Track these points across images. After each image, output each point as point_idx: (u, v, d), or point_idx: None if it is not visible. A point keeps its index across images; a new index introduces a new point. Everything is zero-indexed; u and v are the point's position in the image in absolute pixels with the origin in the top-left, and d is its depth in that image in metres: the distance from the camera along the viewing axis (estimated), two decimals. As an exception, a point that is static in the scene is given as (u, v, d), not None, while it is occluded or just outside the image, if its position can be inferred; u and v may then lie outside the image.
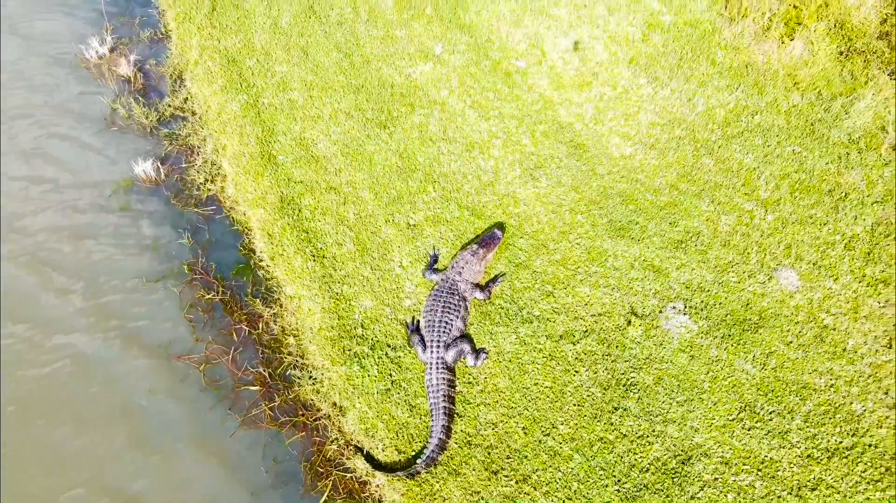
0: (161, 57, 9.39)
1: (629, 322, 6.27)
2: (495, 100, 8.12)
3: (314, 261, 6.95)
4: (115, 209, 7.64)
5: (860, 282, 6.52)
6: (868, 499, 5.36)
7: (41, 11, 9.75)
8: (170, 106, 8.72)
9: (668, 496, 5.39)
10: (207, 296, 7.03)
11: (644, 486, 5.45)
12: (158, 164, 7.91)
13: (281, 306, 6.90)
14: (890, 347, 6.10)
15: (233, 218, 7.66)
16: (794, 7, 9.32)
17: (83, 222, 7.44)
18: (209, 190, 7.90)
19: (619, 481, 5.48)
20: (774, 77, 8.20)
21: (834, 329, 6.22)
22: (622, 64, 8.32)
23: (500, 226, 6.99)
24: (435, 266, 6.76)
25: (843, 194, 7.17)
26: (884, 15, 9.49)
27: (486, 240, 6.70)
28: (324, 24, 9.15)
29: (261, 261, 7.26)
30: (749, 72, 8.26)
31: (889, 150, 7.66)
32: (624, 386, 5.92)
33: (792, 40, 8.82)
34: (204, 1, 9.55)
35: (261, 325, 6.80)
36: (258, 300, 6.95)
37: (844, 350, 6.10)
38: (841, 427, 5.68)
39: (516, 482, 5.55)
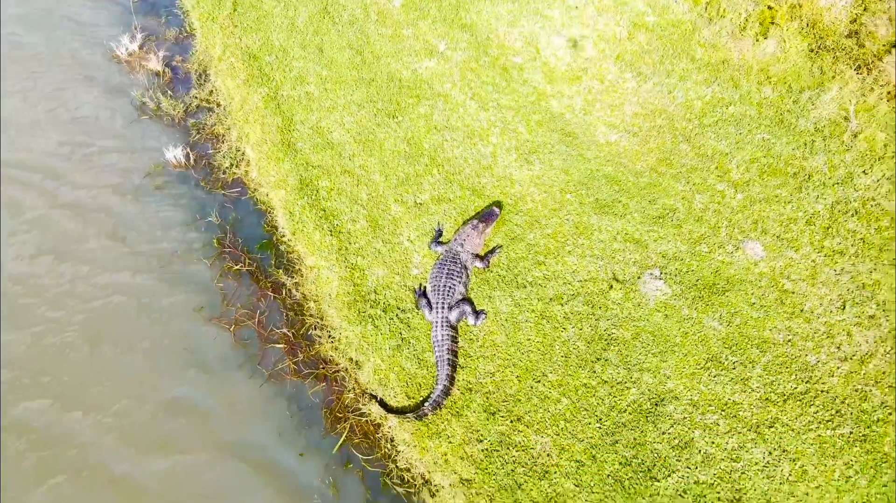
0: (187, 53, 10.21)
1: (611, 286, 7.08)
2: (494, 92, 8.94)
3: (331, 235, 7.76)
4: (150, 191, 8.46)
5: (819, 252, 7.33)
6: (819, 436, 6.17)
7: (74, 6, 10.58)
8: (196, 98, 9.53)
9: (642, 432, 6.21)
10: (235, 268, 7.84)
11: (622, 424, 6.27)
12: (188, 150, 8.71)
13: (302, 275, 7.71)
14: (843, 308, 6.92)
15: (256, 198, 8.47)
16: (769, 8, 10.14)
17: (120, 202, 8.26)
18: (234, 174, 8.72)
19: (600, 420, 6.30)
20: (748, 72, 9.01)
21: (793, 293, 7.03)
22: (609, 60, 9.14)
23: (498, 204, 7.80)
24: (440, 239, 7.57)
25: (807, 176, 7.97)
26: (853, 15, 10.30)
27: (486, 216, 7.52)
28: (337, 23, 9.97)
29: (283, 236, 8.07)
30: (725, 67, 9.07)
31: (851, 137, 8.47)
32: (605, 340, 6.74)
33: (766, 39, 9.63)
34: (225, 2, 10.36)
35: (284, 292, 7.61)
36: (281, 270, 7.77)
37: (802, 311, 6.91)
38: (796, 375, 6.49)
39: (511, 421, 6.36)
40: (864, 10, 10.39)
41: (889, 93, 9.10)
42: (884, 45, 9.97)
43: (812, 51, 9.69)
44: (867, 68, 9.42)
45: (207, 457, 6.42)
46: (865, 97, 8.92)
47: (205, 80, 9.73)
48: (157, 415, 6.65)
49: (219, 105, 9.38)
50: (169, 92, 9.57)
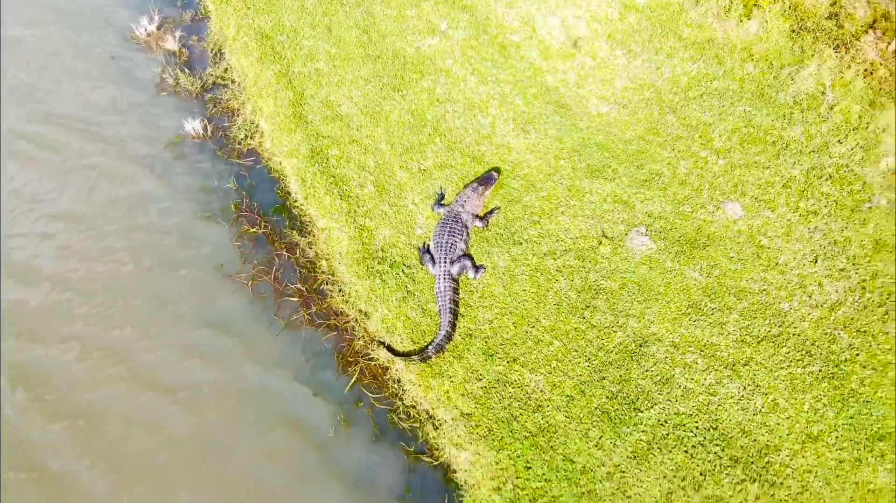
0: (202, 34, 10.79)
1: (600, 242, 7.67)
2: (492, 68, 9.53)
3: (341, 199, 8.34)
4: (171, 160, 9.05)
5: (794, 212, 7.92)
6: (790, 373, 6.76)
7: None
8: (212, 75, 10.11)
9: (627, 370, 6.80)
10: (252, 230, 8.42)
11: (609, 363, 6.86)
12: (206, 122, 9.30)
13: (314, 236, 8.30)
14: (815, 262, 7.51)
15: (270, 167, 9.06)
16: (754, -9, 10.72)
17: (144, 167, 8.87)
18: (249, 144, 9.30)
19: (588, 360, 6.89)
20: (732, 50, 9.58)
21: (769, 248, 7.62)
22: (601, 39, 9.72)
23: (497, 169, 8.38)
24: (442, 202, 8.15)
25: (785, 145, 8.55)
26: (833, -2, 10.87)
27: (485, 179, 8.10)
28: (344, 4, 10.55)
29: (295, 201, 8.66)
30: (710, 46, 9.64)
31: (827, 109, 9.04)
32: (595, 290, 7.33)
33: (749, 20, 10.20)
34: (238, -14, 10.95)
35: (297, 251, 8.19)
36: (295, 231, 8.35)
37: (777, 264, 7.50)
38: (770, 320, 7.09)
39: (507, 362, 6.95)
40: (844, -7, 10.98)
41: (866, 70, 9.68)
42: (861, 26, 10.55)
43: (793, 31, 10.26)
44: (845, 47, 9.99)
45: (230, 390, 7.02)
46: (843, 74, 9.50)
47: (220, 59, 10.31)
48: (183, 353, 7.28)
49: (233, 81, 9.96)
50: (186, 70, 10.15)
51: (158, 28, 10.62)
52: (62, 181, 8.69)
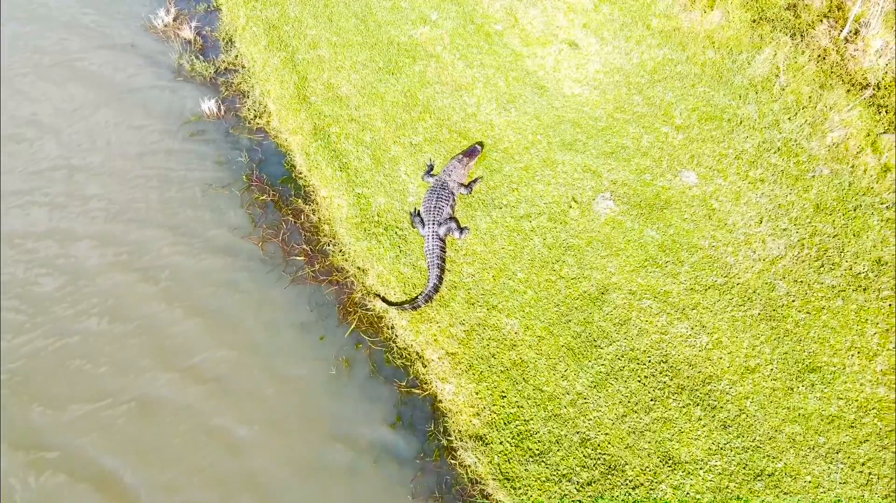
0: (214, 24, 11.80)
1: (570, 206, 8.68)
2: (478, 54, 10.53)
3: (341, 171, 9.34)
4: (189, 135, 10.08)
5: (744, 180, 8.91)
6: (733, 315, 7.76)
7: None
8: (224, 62, 11.12)
9: (590, 313, 7.82)
10: (261, 198, 9.43)
11: (575, 308, 7.87)
12: (220, 103, 10.31)
13: (317, 204, 9.30)
14: (760, 223, 8.50)
15: (277, 143, 10.06)
16: (718, -16, 11.69)
17: (166, 141, 9.90)
18: (258, 123, 10.30)
19: (557, 305, 7.90)
20: (696, 38, 10.57)
21: (719, 211, 8.62)
22: (577, 27, 10.71)
23: (480, 143, 9.38)
24: (431, 172, 9.15)
25: (739, 122, 9.54)
26: (794, -10, 11.84)
27: (470, 151, 9.11)
28: (344, -2, 11.58)
29: (300, 173, 9.66)
30: (676, 34, 10.63)
31: (780, 90, 10.02)
32: (564, 247, 8.34)
33: (713, 10, 11.19)
34: (246, -20, 11.95)
35: (302, 217, 9.19)
36: (300, 199, 9.36)
37: (725, 224, 8.50)
38: (717, 272, 8.09)
39: (487, 309, 7.96)
40: (804, -14, 11.95)
41: (819, 55, 10.68)
42: (818, 16, 11.56)
43: (754, 21, 11.24)
44: (801, 35, 10.98)
45: (246, 327, 8.05)
46: (796, 59, 10.48)
47: (231, 47, 11.31)
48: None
49: (243, 67, 10.97)
50: (200, 57, 11.15)
51: (175, 19, 11.61)
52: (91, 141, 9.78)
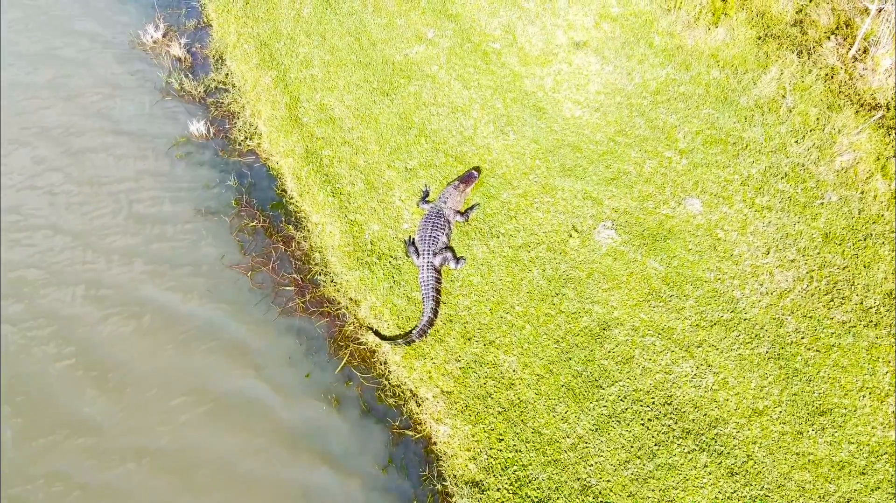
0: (204, 41, 11.48)
1: (570, 236, 8.37)
2: (475, 73, 10.21)
3: (333, 196, 9.03)
4: (176, 158, 9.76)
5: (750, 208, 8.60)
6: (740, 354, 7.45)
7: (104, 1, 11.90)
8: (214, 80, 10.80)
9: (591, 351, 7.50)
10: (251, 224, 9.11)
11: (575, 345, 7.56)
12: (209, 124, 9.99)
13: (308, 230, 8.99)
14: (767, 254, 8.19)
15: (268, 166, 9.75)
16: (723, 0, 11.41)
17: (152, 164, 9.58)
18: (248, 145, 9.99)
19: (557, 342, 7.59)
20: (700, 57, 10.26)
21: (725, 241, 8.31)
22: (577, 46, 10.40)
23: (477, 168, 9.07)
24: (426, 198, 8.84)
25: (745, 145, 9.23)
26: (799, 5, 11.56)
27: (466, 177, 8.79)
28: (338, 14, 11.24)
29: (291, 197, 9.35)
30: (679, 52, 10.32)
31: (786, 111, 9.72)
32: (564, 279, 8.03)
33: (717, 27, 10.89)
34: (238, -5, 11.65)
35: (293, 244, 8.88)
36: (290, 226, 9.04)
37: (731, 255, 8.19)
38: (723, 306, 7.78)
39: (484, 345, 7.65)
40: (810, 0, 11.66)
41: (826, 74, 10.37)
42: (825, 33, 11.25)
43: (759, 38, 10.93)
44: (808, 53, 10.67)
45: (228, 366, 7.75)
46: (803, 78, 10.17)
47: (221, 65, 10.99)
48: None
49: (234, 86, 10.65)
50: (190, 75, 10.84)
51: (164, 36, 11.29)
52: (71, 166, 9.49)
